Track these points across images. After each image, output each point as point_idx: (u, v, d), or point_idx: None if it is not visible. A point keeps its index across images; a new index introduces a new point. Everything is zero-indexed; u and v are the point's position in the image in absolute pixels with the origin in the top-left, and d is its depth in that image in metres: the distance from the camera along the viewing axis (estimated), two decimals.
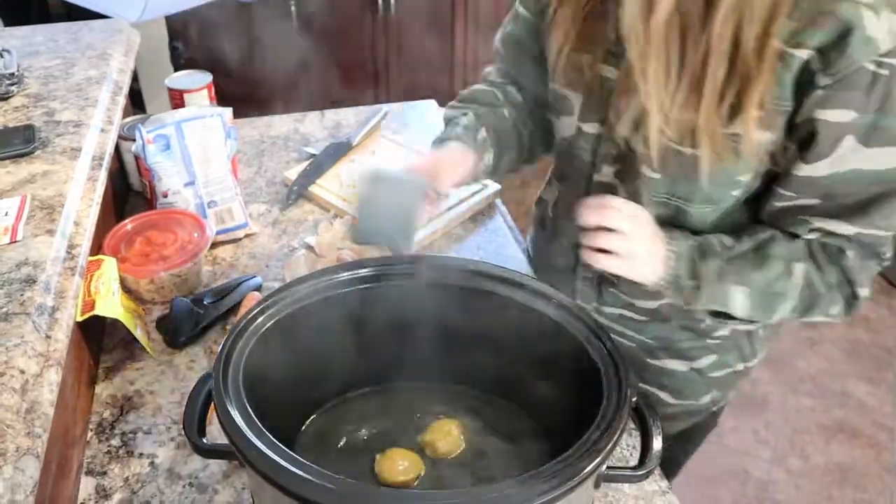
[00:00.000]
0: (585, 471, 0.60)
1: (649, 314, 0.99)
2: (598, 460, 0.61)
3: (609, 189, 0.91)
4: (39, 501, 0.66)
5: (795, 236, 0.83)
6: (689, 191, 0.84)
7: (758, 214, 0.87)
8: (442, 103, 1.28)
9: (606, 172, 0.91)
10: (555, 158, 1.06)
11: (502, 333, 0.81)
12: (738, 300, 0.84)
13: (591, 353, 0.73)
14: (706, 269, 0.82)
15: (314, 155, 1.44)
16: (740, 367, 1.04)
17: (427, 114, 1.66)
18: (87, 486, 0.84)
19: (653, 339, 1.02)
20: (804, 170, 0.78)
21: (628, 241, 0.80)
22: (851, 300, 0.84)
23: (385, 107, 1.61)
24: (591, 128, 0.91)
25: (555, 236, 1.06)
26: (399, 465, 0.77)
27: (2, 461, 0.61)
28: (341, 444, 0.82)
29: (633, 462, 0.87)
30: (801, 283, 0.82)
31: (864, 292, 0.83)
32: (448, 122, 1.02)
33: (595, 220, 0.81)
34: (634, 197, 0.87)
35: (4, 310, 0.75)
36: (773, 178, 0.83)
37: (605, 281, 0.99)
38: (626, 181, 0.89)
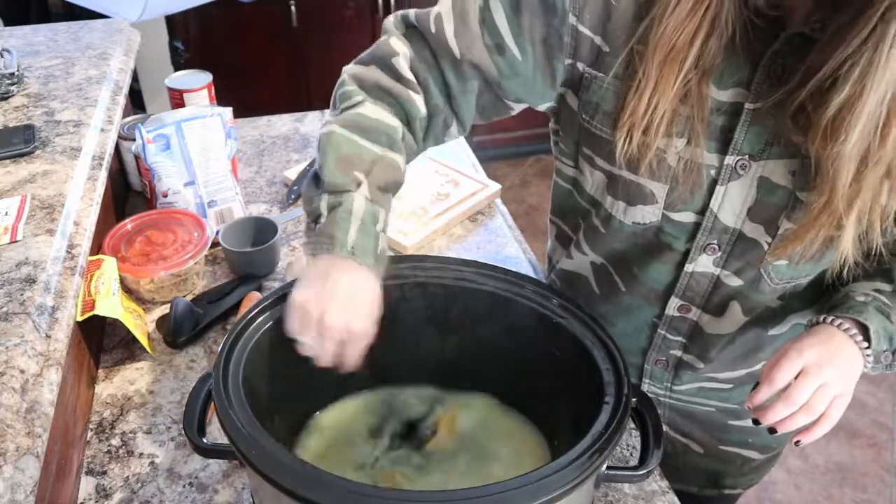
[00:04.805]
0: (585, 471, 0.60)
1: (734, 381, 0.92)
2: (598, 460, 0.61)
3: (705, 277, 0.82)
4: (39, 501, 0.66)
5: None
6: (813, 268, 0.80)
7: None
8: None
9: (704, 262, 0.81)
10: (587, 228, 0.90)
11: (502, 333, 0.81)
12: None
13: (591, 353, 0.73)
14: (893, 327, 0.76)
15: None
16: None
17: None
18: (87, 485, 0.84)
19: (738, 404, 0.95)
20: None
21: (827, 394, 0.70)
22: None
23: None
24: (685, 217, 0.79)
25: (614, 318, 0.92)
26: None
27: (2, 461, 0.61)
28: (341, 443, 0.82)
29: (633, 462, 0.88)
30: None
31: None
32: (334, 192, 0.73)
33: (787, 410, 0.71)
34: (754, 285, 0.81)
35: (4, 309, 0.75)
36: None
37: (682, 364, 0.92)
38: (740, 272, 0.81)
